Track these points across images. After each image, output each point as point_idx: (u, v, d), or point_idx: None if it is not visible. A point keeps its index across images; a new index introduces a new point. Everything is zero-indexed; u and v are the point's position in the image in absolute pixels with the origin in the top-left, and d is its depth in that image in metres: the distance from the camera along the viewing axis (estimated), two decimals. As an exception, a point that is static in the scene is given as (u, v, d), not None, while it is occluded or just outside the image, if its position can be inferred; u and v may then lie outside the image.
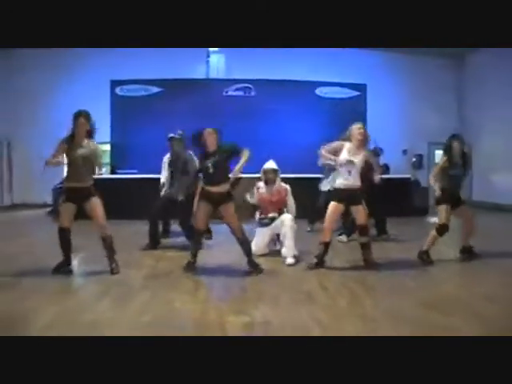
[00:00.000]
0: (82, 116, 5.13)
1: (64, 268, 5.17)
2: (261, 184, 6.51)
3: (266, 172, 6.48)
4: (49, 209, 12.02)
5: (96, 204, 5.14)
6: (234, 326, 3.56)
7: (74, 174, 5.10)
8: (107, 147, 13.66)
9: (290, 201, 6.52)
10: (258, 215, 6.57)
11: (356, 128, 5.60)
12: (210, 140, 5.27)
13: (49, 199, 12.59)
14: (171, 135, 7.54)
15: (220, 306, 4.06)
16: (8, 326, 3.49)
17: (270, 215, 6.37)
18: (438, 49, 14.49)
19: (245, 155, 5.29)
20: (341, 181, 5.52)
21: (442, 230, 5.80)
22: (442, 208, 5.84)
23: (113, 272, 5.16)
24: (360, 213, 5.55)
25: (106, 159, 13.85)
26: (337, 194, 5.54)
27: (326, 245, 5.56)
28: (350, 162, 5.43)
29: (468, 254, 6.09)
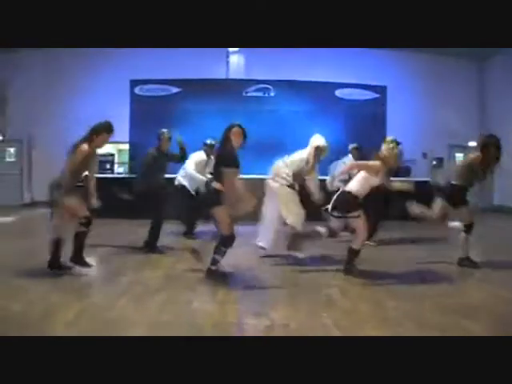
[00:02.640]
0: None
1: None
2: None
3: (321, 149, 6.31)
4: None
5: None
6: (254, 328, 3.54)
7: None
8: (126, 147, 13.72)
9: None
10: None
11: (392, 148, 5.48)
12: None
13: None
14: (211, 142, 8.03)
15: (239, 308, 4.03)
16: (31, 323, 3.51)
17: None
18: (458, 49, 14.34)
19: None
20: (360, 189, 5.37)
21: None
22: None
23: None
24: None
25: (125, 159, 13.91)
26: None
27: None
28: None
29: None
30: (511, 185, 13.91)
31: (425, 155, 14.40)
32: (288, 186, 6.16)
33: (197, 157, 8.23)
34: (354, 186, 5.36)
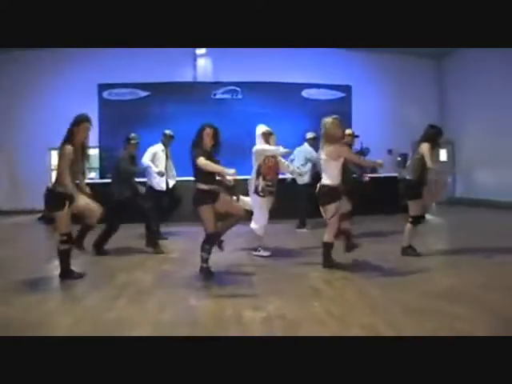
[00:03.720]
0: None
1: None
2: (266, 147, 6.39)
3: (267, 133, 6.45)
4: (39, 215, 11.96)
5: None
6: (252, 320, 3.73)
7: None
8: (96, 151, 13.67)
9: None
10: (262, 183, 6.31)
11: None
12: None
13: (38, 205, 12.42)
14: (169, 132, 8.22)
15: (235, 303, 4.20)
16: (34, 327, 3.60)
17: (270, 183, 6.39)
18: (419, 49, 14.86)
19: None
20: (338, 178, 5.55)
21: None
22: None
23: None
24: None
25: (95, 164, 13.85)
26: (337, 192, 5.53)
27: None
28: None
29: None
30: (471, 177, 14.51)
31: (390, 152, 14.84)
32: (257, 193, 6.38)
33: (153, 149, 8.20)
34: (327, 177, 5.51)
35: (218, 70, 14.67)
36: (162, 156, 8.21)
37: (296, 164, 8.72)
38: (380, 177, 11.41)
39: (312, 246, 6.87)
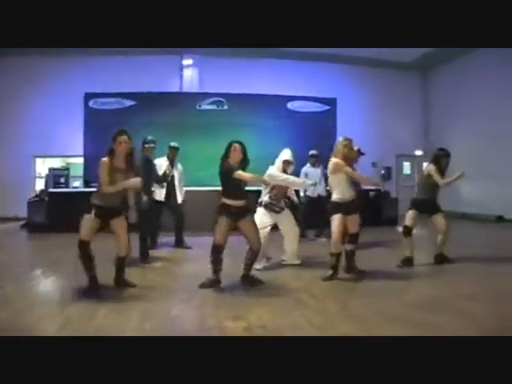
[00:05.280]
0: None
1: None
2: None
3: (288, 162, 6.56)
4: (22, 222, 11.90)
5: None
6: (233, 330, 3.75)
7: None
8: (80, 160, 13.65)
9: None
10: (267, 198, 6.45)
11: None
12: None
13: (21, 213, 12.36)
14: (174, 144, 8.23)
15: (216, 313, 4.23)
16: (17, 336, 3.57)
17: (281, 205, 6.51)
18: (404, 62, 15.05)
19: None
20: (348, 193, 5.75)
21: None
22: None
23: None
24: (355, 221, 5.83)
25: (80, 172, 13.81)
26: (341, 206, 5.71)
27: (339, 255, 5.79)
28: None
29: (441, 260, 6.51)
30: (455, 191, 14.66)
31: (374, 165, 15.00)
32: (261, 206, 6.47)
33: (157, 161, 8.06)
34: (334, 193, 5.80)
35: (204, 81, 14.72)
36: (164, 168, 8.09)
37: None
38: (362, 190, 11.47)
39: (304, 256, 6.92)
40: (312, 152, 9.83)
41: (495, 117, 13.19)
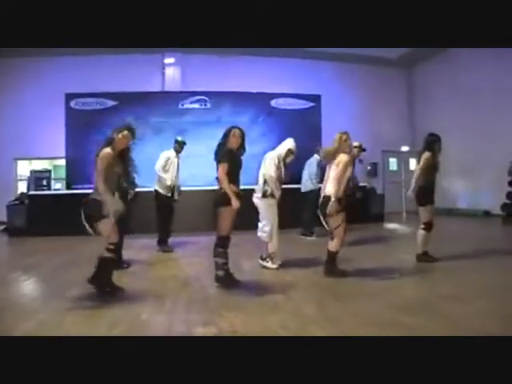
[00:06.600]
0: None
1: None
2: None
3: (291, 152, 6.45)
4: (2, 227, 11.68)
5: None
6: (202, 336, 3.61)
7: None
8: (62, 162, 13.46)
9: None
10: (272, 187, 6.27)
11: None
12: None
13: (1, 217, 12.09)
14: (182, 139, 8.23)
15: (187, 318, 4.08)
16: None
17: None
18: (389, 58, 15.00)
19: None
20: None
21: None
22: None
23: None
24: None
25: (62, 174, 13.61)
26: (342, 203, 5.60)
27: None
28: None
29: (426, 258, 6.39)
30: (442, 186, 14.59)
31: (361, 161, 14.76)
32: (264, 197, 6.30)
33: (166, 154, 8.09)
34: (331, 188, 5.59)
35: (186, 80, 14.54)
36: (174, 162, 8.09)
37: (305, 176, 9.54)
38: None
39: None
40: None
41: (481, 112, 13.17)
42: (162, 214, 8.01)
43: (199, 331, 3.70)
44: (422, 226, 6.43)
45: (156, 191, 8.02)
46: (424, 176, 6.38)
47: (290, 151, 6.42)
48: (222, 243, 5.21)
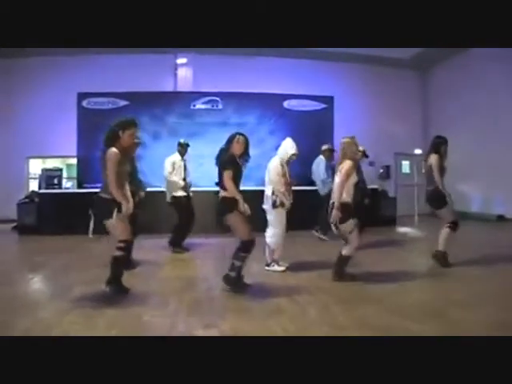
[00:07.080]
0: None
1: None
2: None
3: (295, 155, 6.35)
4: (13, 224, 11.70)
5: None
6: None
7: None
8: (74, 161, 13.50)
9: None
10: (281, 196, 6.18)
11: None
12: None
13: (12, 215, 12.09)
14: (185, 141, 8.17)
15: (189, 320, 4.04)
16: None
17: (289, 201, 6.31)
18: (402, 60, 14.86)
19: None
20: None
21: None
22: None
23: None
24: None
25: (73, 173, 13.65)
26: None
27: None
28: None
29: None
30: (455, 190, 14.41)
31: (372, 164, 14.73)
32: (275, 207, 6.22)
33: (171, 159, 8.06)
34: (334, 195, 5.50)
35: (198, 80, 14.46)
36: (180, 165, 8.06)
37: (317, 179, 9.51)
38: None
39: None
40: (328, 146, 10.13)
41: (495, 114, 12.97)
42: (184, 217, 7.96)
43: (199, 333, 3.66)
44: (448, 225, 6.34)
45: (173, 197, 7.98)
46: (437, 178, 6.27)
47: (294, 156, 6.33)
48: (245, 248, 5.05)
